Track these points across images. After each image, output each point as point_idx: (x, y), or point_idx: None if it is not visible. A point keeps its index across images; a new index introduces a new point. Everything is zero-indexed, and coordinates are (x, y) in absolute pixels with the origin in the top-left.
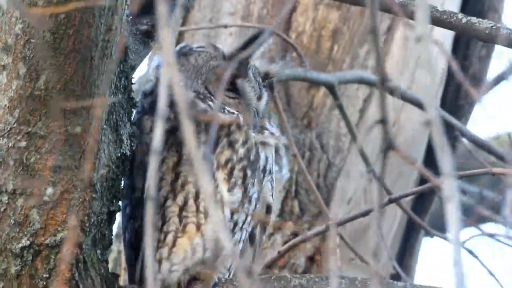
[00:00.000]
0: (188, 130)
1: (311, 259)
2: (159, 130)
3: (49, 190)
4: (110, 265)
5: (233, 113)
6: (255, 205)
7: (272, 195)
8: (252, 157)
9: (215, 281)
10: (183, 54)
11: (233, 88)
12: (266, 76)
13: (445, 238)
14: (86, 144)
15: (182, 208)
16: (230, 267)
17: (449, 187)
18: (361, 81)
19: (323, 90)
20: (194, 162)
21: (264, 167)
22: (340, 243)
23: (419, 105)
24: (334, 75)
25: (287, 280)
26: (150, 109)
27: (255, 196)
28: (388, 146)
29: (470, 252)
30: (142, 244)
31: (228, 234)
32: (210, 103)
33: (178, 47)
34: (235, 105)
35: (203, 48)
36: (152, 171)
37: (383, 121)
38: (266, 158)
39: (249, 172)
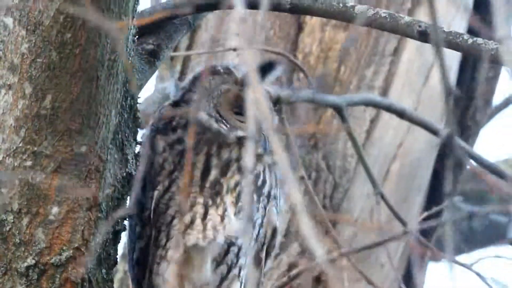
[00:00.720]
0: (276, 145)
1: (317, 280)
2: (251, 151)
3: (55, 210)
4: (116, 285)
5: (243, 137)
6: (259, 230)
7: (278, 220)
8: (259, 183)
9: None
10: (195, 77)
11: (243, 112)
12: (276, 101)
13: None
14: (91, 163)
15: (188, 226)
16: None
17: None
18: (369, 104)
19: (330, 110)
20: (284, 174)
21: (269, 192)
22: (346, 264)
23: (425, 127)
24: (342, 97)
25: None
26: (163, 130)
27: (259, 221)
28: (457, 161)
29: (478, 274)
30: (148, 263)
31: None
32: (222, 125)
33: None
34: (246, 129)
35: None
36: (247, 190)
37: (450, 137)
38: (272, 183)
39: (255, 197)
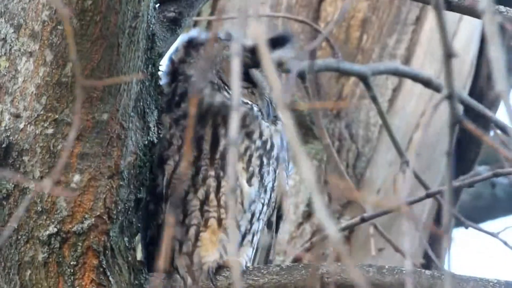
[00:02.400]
0: (288, 122)
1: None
2: (235, 122)
3: (76, 178)
4: (139, 254)
5: (247, 103)
6: (270, 195)
7: (287, 183)
8: (268, 146)
9: (242, 268)
10: (195, 46)
11: (246, 77)
12: (279, 65)
13: (477, 228)
14: (113, 131)
15: (203, 202)
16: (254, 255)
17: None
18: (395, 72)
19: (352, 79)
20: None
21: (278, 155)
22: (373, 232)
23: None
24: (367, 66)
25: (314, 268)
26: (167, 106)
27: (270, 185)
28: (455, 120)
29: (505, 243)
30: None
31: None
32: (225, 93)
33: (186, 39)
34: (249, 95)
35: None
36: (232, 161)
37: (450, 96)
38: (280, 146)
39: (265, 160)
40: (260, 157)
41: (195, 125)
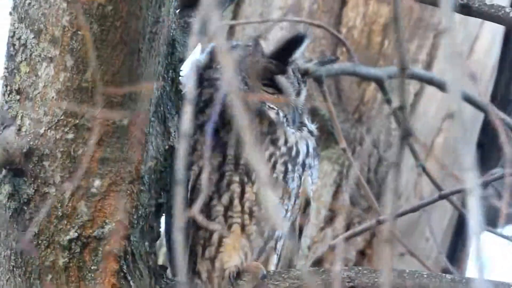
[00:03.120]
0: (242, 121)
1: (362, 253)
2: (187, 114)
3: (97, 182)
4: (161, 259)
5: (273, 108)
6: (294, 201)
7: (312, 190)
8: (293, 153)
9: (263, 273)
10: (212, 53)
11: (272, 84)
12: (305, 72)
13: (496, 233)
14: (133, 136)
15: (227, 208)
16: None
17: (471, 181)
18: (411, 77)
19: (374, 84)
20: (249, 153)
21: (304, 162)
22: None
23: (468, 99)
24: (383, 69)
25: (336, 273)
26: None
27: (294, 191)
28: (406, 133)
29: None
30: (189, 243)
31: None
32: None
33: (213, 45)
34: (274, 101)
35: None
36: (182, 154)
37: (401, 108)
38: (306, 152)
39: (290, 167)
40: (285, 164)
41: (220, 130)
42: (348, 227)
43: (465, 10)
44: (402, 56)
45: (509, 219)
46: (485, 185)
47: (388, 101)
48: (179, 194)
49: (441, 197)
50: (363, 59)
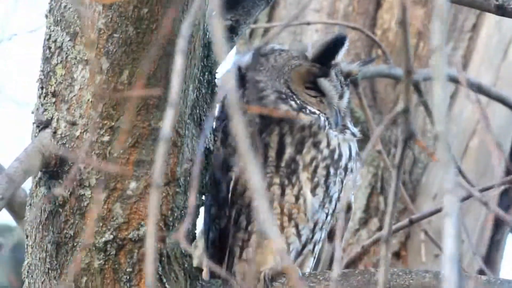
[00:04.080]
0: (239, 125)
1: (397, 255)
2: (169, 118)
3: (132, 185)
4: (195, 261)
5: (314, 112)
6: (335, 205)
7: (353, 194)
8: (335, 156)
9: (299, 274)
10: (263, 55)
11: (314, 86)
12: (348, 75)
13: None
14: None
15: None
16: (315, 264)
17: (450, 203)
18: (427, 78)
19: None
20: (244, 158)
21: (346, 165)
22: (425, 238)
23: (503, 101)
24: (418, 71)
25: (370, 274)
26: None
27: (335, 195)
28: (409, 135)
29: None
30: (228, 244)
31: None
32: (292, 102)
33: (257, 47)
34: (317, 104)
35: (284, 48)
36: (160, 158)
37: (405, 111)
38: (349, 156)
39: (332, 171)
40: (327, 167)
41: (262, 132)
42: (382, 229)
43: (500, 11)
44: (408, 59)
45: None
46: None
47: (424, 103)
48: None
49: (412, 222)
50: (398, 61)
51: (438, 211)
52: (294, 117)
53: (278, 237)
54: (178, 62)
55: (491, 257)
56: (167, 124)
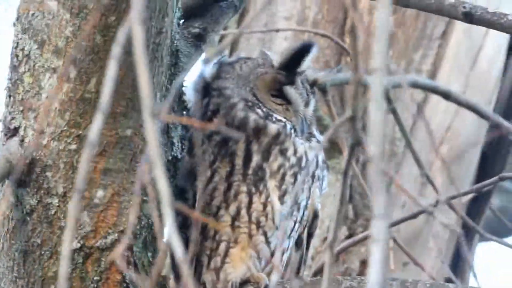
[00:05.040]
0: (151, 130)
1: (365, 263)
2: (98, 123)
3: (100, 193)
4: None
5: (280, 120)
6: (303, 212)
7: (319, 202)
8: (302, 163)
9: (266, 283)
10: (228, 63)
11: (280, 94)
12: (314, 83)
13: (500, 242)
14: (136, 146)
15: (235, 218)
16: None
17: (379, 229)
18: (414, 85)
19: None
20: (153, 160)
21: (313, 173)
22: (394, 246)
23: (472, 109)
24: (387, 79)
25: (338, 282)
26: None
27: (303, 203)
28: (356, 142)
29: None
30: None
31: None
32: (258, 110)
33: (221, 56)
34: (283, 111)
35: (250, 56)
36: (84, 163)
37: (352, 118)
38: (316, 163)
39: (299, 178)
40: (295, 175)
41: (228, 140)
42: (351, 237)
43: (468, 18)
44: (357, 66)
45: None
46: (478, 191)
47: (393, 111)
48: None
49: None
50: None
51: (407, 219)
52: (261, 126)
53: (180, 252)
54: (112, 69)
55: (459, 266)
56: (94, 130)
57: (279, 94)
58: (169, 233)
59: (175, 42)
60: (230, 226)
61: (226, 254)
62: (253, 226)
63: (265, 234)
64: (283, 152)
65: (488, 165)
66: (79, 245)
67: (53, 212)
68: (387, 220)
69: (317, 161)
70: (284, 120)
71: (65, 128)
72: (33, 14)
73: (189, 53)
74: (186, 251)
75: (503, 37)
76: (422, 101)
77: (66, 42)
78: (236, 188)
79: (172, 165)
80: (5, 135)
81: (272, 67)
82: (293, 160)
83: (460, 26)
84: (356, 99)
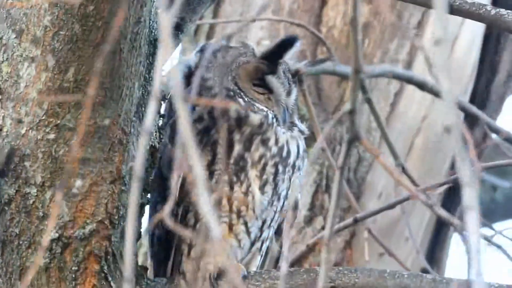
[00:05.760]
0: (183, 115)
1: (342, 253)
2: (152, 111)
3: (78, 183)
4: (141, 259)
5: (262, 109)
6: (283, 202)
7: (300, 192)
8: (284, 154)
9: (244, 273)
10: (211, 52)
11: (262, 84)
12: (296, 73)
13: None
14: (115, 136)
15: (216, 207)
16: (262, 262)
17: (470, 196)
18: (390, 75)
19: None
20: (188, 149)
21: (294, 163)
22: (369, 237)
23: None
24: (365, 69)
25: (316, 273)
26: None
27: (284, 193)
28: (354, 137)
29: (499, 247)
30: (175, 242)
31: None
32: (240, 100)
33: (204, 45)
34: (265, 101)
35: (232, 45)
36: (141, 151)
37: (352, 112)
38: (297, 154)
39: (280, 168)
40: (276, 165)
41: (210, 129)
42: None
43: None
44: (357, 58)
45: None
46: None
47: (368, 100)
48: (134, 193)
49: (356, 221)
50: (343, 58)
51: (383, 209)
52: (245, 110)
53: (220, 232)
54: (160, 58)
55: (435, 256)
56: (149, 119)
57: (261, 83)
58: (207, 215)
59: (154, 31)
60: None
61: (204, 243)
62: (234, 216)
63: (245, 224)
64: (264, 142)
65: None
66: (57, 235)
67: (31, 202)
68: (476, 189)
69: (298, 151)
70: (266, 109)
71: (43, 118)
72: (11, 3)
73: None
74: (165, 239)
75: (479, 26)
76: (397, 91)
77: (45, 32)
78: (217, 178)
79: (150, 155)
80: None
81: (254, 56)
82: (274, 150)
83: (434, 15)
84: (354, 92)
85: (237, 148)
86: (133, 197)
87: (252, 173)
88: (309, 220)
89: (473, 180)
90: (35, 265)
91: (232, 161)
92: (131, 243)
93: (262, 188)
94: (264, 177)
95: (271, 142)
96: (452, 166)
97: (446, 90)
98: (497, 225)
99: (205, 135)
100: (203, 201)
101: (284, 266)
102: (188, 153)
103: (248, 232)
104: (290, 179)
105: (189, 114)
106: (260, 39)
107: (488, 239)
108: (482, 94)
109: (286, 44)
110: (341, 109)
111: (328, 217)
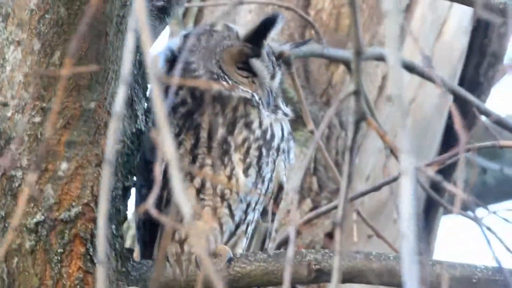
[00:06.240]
0: (157, 96)
1: (329, 236)
2: (121, 95)
3: (64, 165)
4: (129, 242)
5: (247, 91)
6: (268, 185)
7: (285, 174)
8: (268, 137)
9: (230, 256)
10: (195, 35)
11: (246, 67)
12: (280, 55)
13: (464, 216)
14: (100, 119)
15: (199, 190)
16: (248, 244)
17: (405, 162)
18: (379, 58)
19: (342, 67)
20: (161, 130)
21: (278, 146)
22: (357, 219)
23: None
24: (351, 51)
25: (302, 255)
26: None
27: (268, 176)
28: (361, 117)
29: (488, 228)
30: (160, 225)
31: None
32: (224, 83)
33: (189, 29)
34: (249, 84)
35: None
36: (112, 134)
37: (356, 92)
38: (281, 137)
39: (264, 151)
40: (259, 148)
41: (193, 113)
42: (315, 209)
43: None
44: (358, 40)
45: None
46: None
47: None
48: (106, 177)
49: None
50: (331, 41)
51: (371, 191)
52: (231, 89)
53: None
54: (130, 40)
55: (423, 238)
56: (119, 101)
57: (245, 66)
58: (177, 193)
59: None
60: (195, 198)
61: (189, 226)
62: (218, 199)
63: (229, 207)
64: (248, 125)
65: (451, 137)
66: (43, 217)
67: (17, 184)
68: (411, 154)
69: (282, 134)
70: (249, 92)
71: (29, 101)
72: None
73: (153, 26)
74: (150, 222)
75: (468, 10)
76: (385, 74)
77: (31, 15)
78: (201, 161)
79: (136, 138)
80: None
81: (238, 39)
82: (258, 133)
83: None
84: (358, 73)
85: (221, 131)
86: (105, 181)
87: (236, 156)
88: (297, 203)
89: (409, 147)
90: (21, 248)
91: (215, 144)
92: (103, 227)
93: (246, 171)
94: (248, 160)
95: (255, 125)
96: (441, 148)
97: (392, 60)
98: (490, 208)
99: (189, 118)
100: (175, 182)
101: (291, 249)
102: (161, 134)
103: (232, 215)
104: (274, 162)
105: (172, 98)
106: (248, 22)
107: (477, 221)
108: (471, 77)
109: (268, 23)
110: (330, 92)
111: (339, 198)
